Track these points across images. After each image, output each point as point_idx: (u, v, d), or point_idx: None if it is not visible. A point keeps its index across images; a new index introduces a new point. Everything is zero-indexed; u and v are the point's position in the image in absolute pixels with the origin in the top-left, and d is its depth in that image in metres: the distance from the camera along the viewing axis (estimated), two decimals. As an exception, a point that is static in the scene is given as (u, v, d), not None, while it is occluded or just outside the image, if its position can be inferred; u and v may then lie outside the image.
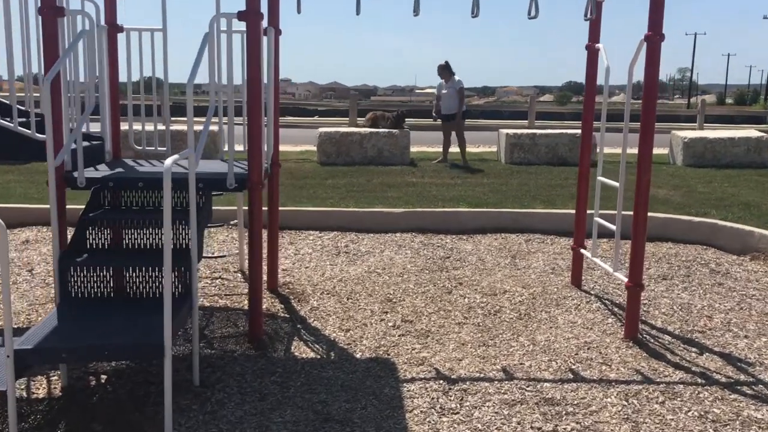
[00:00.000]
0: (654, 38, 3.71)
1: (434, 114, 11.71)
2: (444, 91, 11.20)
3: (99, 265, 3.45)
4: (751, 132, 10.83)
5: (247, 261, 4.20)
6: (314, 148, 11.28)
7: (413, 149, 11.95)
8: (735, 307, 4.68)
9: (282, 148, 13.62)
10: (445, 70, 11.07)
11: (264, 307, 4.54)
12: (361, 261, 5.71)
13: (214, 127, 4.74)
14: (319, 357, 3.78)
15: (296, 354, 3.81)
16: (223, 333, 4.08)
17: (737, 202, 7.71)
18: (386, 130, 10.97)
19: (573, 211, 7.01)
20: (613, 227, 4.36)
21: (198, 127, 3.65)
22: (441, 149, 11.37)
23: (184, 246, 3.65)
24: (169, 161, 2.73)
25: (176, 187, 3.45)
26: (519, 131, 11.09)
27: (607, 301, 4.75)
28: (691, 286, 5.16)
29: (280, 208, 7.24)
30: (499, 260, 5.81)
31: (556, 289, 4.99)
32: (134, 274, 3.49)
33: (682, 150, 10.70)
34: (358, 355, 3.81)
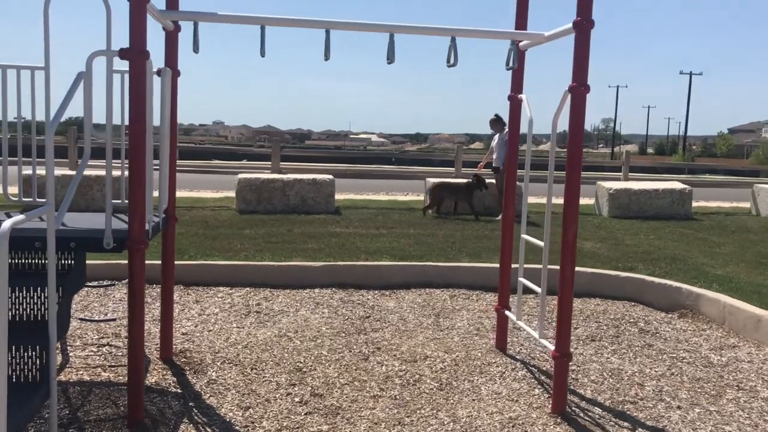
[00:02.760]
0: (578, 90, 3.47)
1: (480, 167, 11.43)
2: (494, 144, 11.09)
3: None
4: (674, 184, 11.00)
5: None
6: (234, 195, 10.76)
7: (339, 197, 11.59)
8: (666, 373, 4.43)
9: (200, 194, 13.04)
10: (497, 123, 10.92)
11: (153, 380, 4.00)
12: (272, 322, 5.22)
13: (117, 173, 4.21)
14: (208, 444, 3.27)
15: (182, 441, 3.29)
16: (100, 415, 3.51)
17: (663, 256, 7.63)
18: (311, 177, 10.58)
19: (496, 265, 6.78)
20: (538, 289, 4.04)
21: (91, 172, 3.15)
22: (368, 197, 11.04)
23: (40, 318, 3.11)
24: (7, 224, 2.24)
25: (43, 247, 2.94)
26: (446, 180, 10.88)
27: (533, 368, 4.41)
28: (620, 348, 4.90)
29: (188, 262, 6.74)
30: (421, 319, 5.43)
31: (480, 354, 4.63)
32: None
33: (607, 201, 10.73)
34: (254, 441, 3.31)
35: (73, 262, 3.19)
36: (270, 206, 10.26)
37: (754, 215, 11.97)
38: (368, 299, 5.99)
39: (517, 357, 4.60)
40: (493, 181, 10.89)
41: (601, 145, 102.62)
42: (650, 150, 77.03)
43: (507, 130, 10.62)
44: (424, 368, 4.34)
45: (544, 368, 4.41)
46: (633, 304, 6.21)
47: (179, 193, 12.69)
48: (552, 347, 3.77)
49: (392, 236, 8.36)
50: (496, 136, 10.93)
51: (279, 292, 6.13)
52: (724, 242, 8.69)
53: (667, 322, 5.67)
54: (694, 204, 11.81)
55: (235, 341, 4.75)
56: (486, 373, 4.29)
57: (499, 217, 10.18)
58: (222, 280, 6.31)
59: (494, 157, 10.92)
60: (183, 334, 4.87)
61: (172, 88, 4.09)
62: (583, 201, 13.20)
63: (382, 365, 4.38)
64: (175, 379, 4.06)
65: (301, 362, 4.38)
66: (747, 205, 13.64)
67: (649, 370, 4.47)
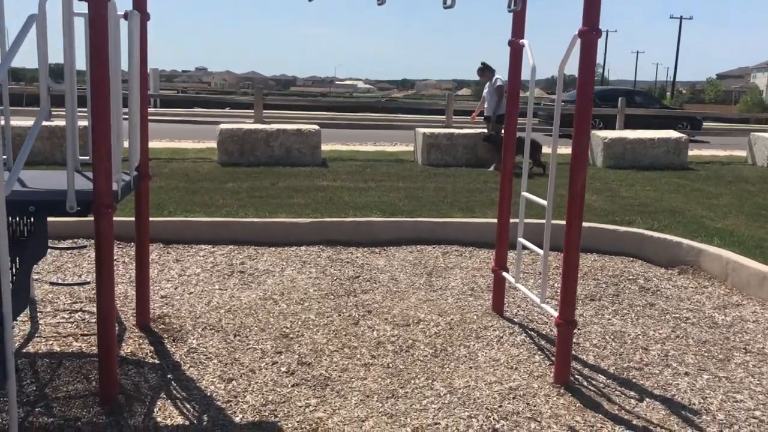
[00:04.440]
0: (589, 34, 3.13)
1: (472, 117, 11.01)
2: (485, 92, 10.72)
3: None
4: (670, 133, 10.70)
5: (119, 285, 3.39)
6: (216, 146, 10.35)
7: (325, 147, 11.23)
8: (671, 335, 4.23)
9: (181, 145, 12.59)
10: (485, 71, 10.49)
11: (129, 350, 3.74)
12: (256, 284, 4.96)
13: (83, 123, 3.85)
14: (187, 423, 3.02)
15: (159, 419, 3.04)
16: (69, 392, 3.25)
17: (662, 209, 7.40)
18: (296, 127, 10.17)
19: (492, 221, 6.50)
20: (539, 251, 3.79)
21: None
22: (355, 147, 10.68)
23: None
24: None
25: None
26: (436, 131, 10.52)
27: (532, 332, 4.19)
28: (621, 308, 4.69)
29: (168, 218, 6.42)
30: (413, 279, 5.18)
31: (475, 317, 4.40)
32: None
33: (602, 150, 10.43)
34: (237, 418, 3.07)
35: (32, 228, 2.88)
36: (253, 158, 9.89)
37: (750, 164, 11.76)
38: (357, 257, 5.73)
39: (515, 320, 4.38)
40: (485, 130, 10.57)
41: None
42: (638, 97, 76.29)
43: (497, 77, 10.32)
44: (417, 333, 4.11)
45: (543, 332, 4.19)
46: (631, 259, 6.00)
47: (159, 144, 12.26)
48: (555, 313, 3.54)
49: (381, 190, 8.06)
50: (487, 85, 10.58)
51: (264, 250, 5.85)
52: (721, 193, 8.47)
53: (667, 278, 5.47)
54: (689, 153, 11.57)
55: (217, 305, 4.48)
56: (483, 338, 4.07)
57: (491, 168, 9.90)
58: (204, 237, 6.02)
59: (485, 106, 10.57)
60: (162, 297, 4.60)
61: (141, 33, 3.71)
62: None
63: (373, 330, 4.14)
64: (152, 348, 3.80)
65: (287, 327, 4.14)
66: (742, 153, 13.42)
67: (652, 332, 4.27)
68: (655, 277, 5.50)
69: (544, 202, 3.71)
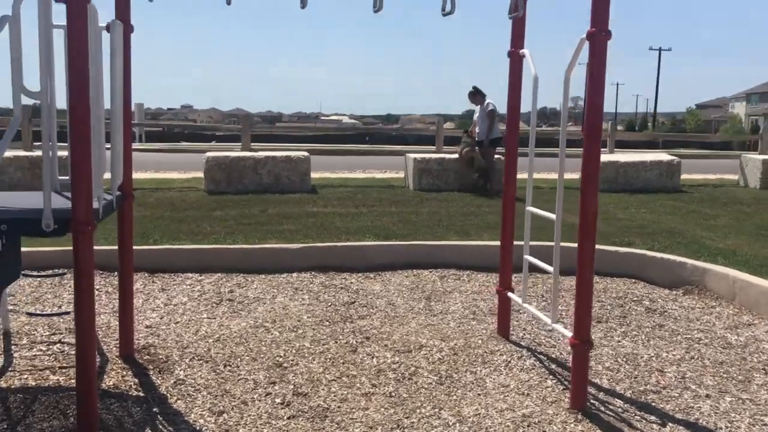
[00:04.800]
0: (599, 36, 2.98)
1: (464, 139, 10.82)
2: (475, 117, 10.66)
3: None
4: (662, 156, 10.62)
5: (101, 315, 3.14)
6: (202, 176, 10.11)
7: (314, 175, 11.04)
8: (685, 356, 4.02)
9: (166, 175, 12.35)
10: (476, 95, 10.45)
11: (111, 383, 3.47)
12: (247, 312, 4.71)
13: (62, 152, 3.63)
14: (175, 461, 2.76)
15: (144, 457, 2.78)
16: (44, 429, 2.97)
17: (660, 230, 7.25)
18: (284, 154, 9.99)
19: (490, 243, 6.33)
20: (549, 268, 3.59)
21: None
22: (345, 175, 10.51)
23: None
24: None
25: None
26: (427, 156, 10.37)
27: (541, 356, 3.97)
28: (630, 330, 4.49)
29: (153, 247, 6.16)
30: (412, 303, 4.95)
31: (480, 341, 4.17)
32: None
33: (594, 174, 10.31)
34: (230, 454, 2.81)
35: (2, 248, 2.64)
36: (241, 186, 9.66)
37: (742, 186, 11.69)
38: (352, 282, 5.50)
39: (522, 343, 4.15)
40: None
41: (571, 124, 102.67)
42: (620, 127, 77.10)
43: (488, 101, 10.22)
44: (419, 359, 3.87)
45: (553, 355, 3.97)
46: (634, 281, 5.81)
47: (144, 175, 12.01)
48: (568, 333, 3.33)
49: (373, 215, 7.85)
50: (478, 108, 10.49)
51: (253, 277, 5.61)
52: (718, 214, 8.35)
53: (672, 299, 5.28)
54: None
55: (205, 334, 4.22)
56: (490, 363, 3.83)
57: (482, 183, 9.79)
58: (190, 265, 5.76)
59: (477, 131, 10.46)
60: (147, 327, 4.34)
61: (125, 46, 3.53)
62: (568, 175, 12.83)
63: (372, 357, 3.90)
64: (136, 380, 3.54)
65: (281, 356, 3.88)
66: (732, 176, 13.39)
67: (665, 354, 4.06)
68: (660, 298, 5.31)
69: (552, 216, 3.52)
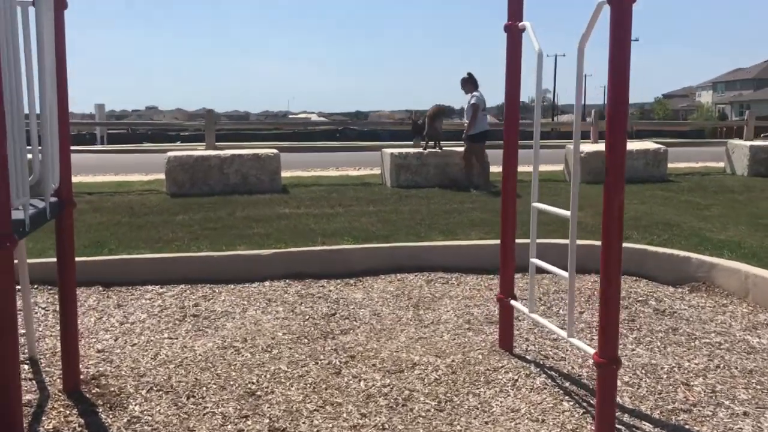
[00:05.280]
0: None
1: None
2: (465, 108, 9.54)
3: None
4: (648, 144, 10.25)
5: (36, 341, 2.58)
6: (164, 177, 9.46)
7: (285, 174, 10.48)
8: (709, 365, 3.58)
9: (126, 178, 11.67)
10: (467, 83, 9.29)
11: (51, 425, 2.93)
12: (213, 329, 4.16)
13: None
14: None
15: None
16: (-38, 493, 2.41)
17: (655, 222, 6.84)
18: (252, 152, 9.40)
19: (478, 242, 5.85)
20: (562, 273, 3.12)
21: None
22: (317, 173, 9.95)
23: None
24: None
25: None
26: (405, 150, 9.84)
27: (552, 372, 3.49)
28: (642, 336, 4.04)
29: (108, 257, 5.56)
30: (399, 313, 4.46)
31: (480, 357, 3.69)
32: None
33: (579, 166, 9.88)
34: None
35: None
36: (206, 187, 9.04)
37: (729, 174, 11.40)
38: (331, 291, 4.99)
39: (527, 357, 3.68)
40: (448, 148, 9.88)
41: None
42: (588, 119, 77.49)
43: (474, 93, 9.37)
44: (413, 381, 3.37)
45: (564, 371, 3.50)
46: (635, 278, 5.39)
47: (103, 178, 11.33)
48: (589, 349, 2.86)
49: (350, 215, 7.32)
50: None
51: (221, 288, 5.06)
52: (710, 204, 8.00)
53: (679, 298, 4.86)
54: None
55: (166, 358, 3.67)
56: (494, 383, 3.35)
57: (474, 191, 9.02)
58: (151, 276, 5.19)
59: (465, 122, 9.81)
60: (99, 351, 3.78)
61: (57, 25, 2.97)
62: (551, 167, 12.42)
63: (359, 380, 3.39)
64: (82, 420, 2.98)
65: (253, 383, 3.35)
66: (716, 164, 13.16)
67: (687, 363, 3.62)
68: (666, 297, 4.89)
69: (566, 213, 3.05)
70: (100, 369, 3.53)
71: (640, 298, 4.85)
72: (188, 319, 4.36)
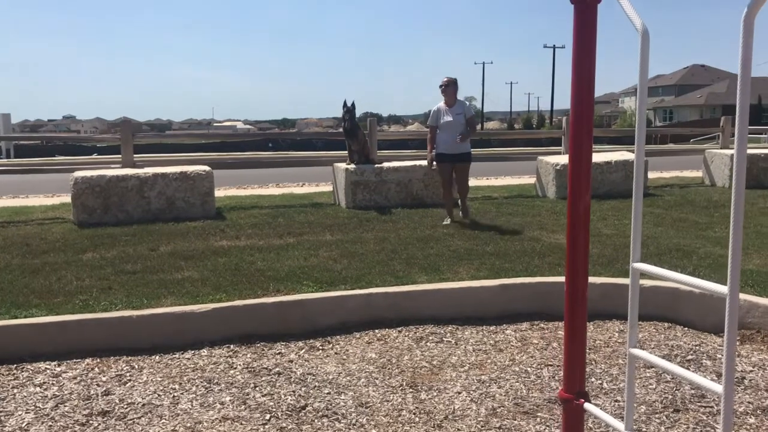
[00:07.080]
0: None
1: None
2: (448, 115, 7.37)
3: None
4: (626, 155, 9.34)
5: None
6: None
7: (219, 194, 9.06)
8: None
9: (27, 201, 9.92)
10: (448, 87, 7.30)
11: None
12: (130, 442, 2.84)
13: None
14: None
15: None
16: None
17: (663, 248, 5.85)
18: (179, 169, 7.94)
19: (472, 284, 4.64)
20: (716, 387, 1.97)
21: None
22: (256, 191, 8.58)
23: None
24: None
25: None
26: (362, 165, 8.50)
27: None
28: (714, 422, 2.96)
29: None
30: (393, 399, 3.24)
31: (534, 482, 2.51)
32: None
33: (554, 179, 8.82)
34: None
35: None
36: (122, 215, 7.50)
37: (709, 185, 10.63)
38: (292, 362, 3.73)
39: (603, 481, 2.52)
40: (421, 163, 8.59)
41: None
42: (517, 126, 78.24)
43: (440, 104, 7.69)
44: None
45: None
46: (668, 325, 4.39)
47: (-1, 202, 9.59)
48: None
49: (305, 247, 5.99)
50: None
51: (143, 361, 3.74)
52: (710, 222, 7.08)
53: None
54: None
55: None
56: None
57: (447, 222, 7.36)
58: (44, 349, 3.81)
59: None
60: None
61: None
62: (522, 180, 11.49)
63: None
64: None
65: None
66: (690, 173, 12.48)
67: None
68: (718, 353, 3.86)
69: (723, 290, 1.90)
70: None
71: (689, 357, 3.81)
72: (95, 421, 3.02)
